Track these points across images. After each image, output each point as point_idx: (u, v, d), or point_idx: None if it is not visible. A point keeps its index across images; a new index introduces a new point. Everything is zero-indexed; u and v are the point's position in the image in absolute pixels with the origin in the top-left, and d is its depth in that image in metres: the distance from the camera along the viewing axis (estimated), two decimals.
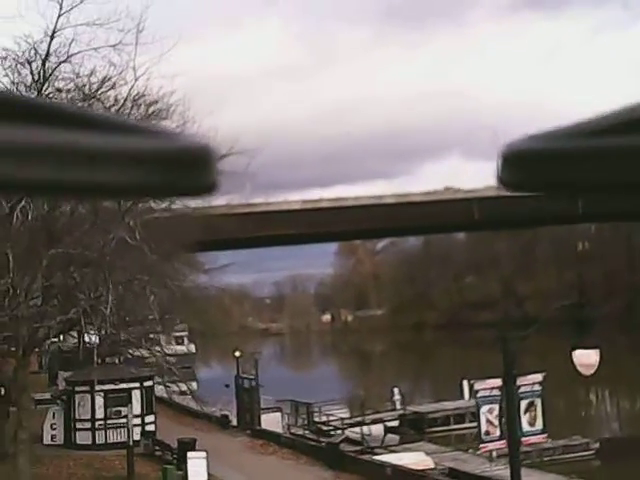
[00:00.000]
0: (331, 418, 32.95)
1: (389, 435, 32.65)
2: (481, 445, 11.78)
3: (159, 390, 32.68)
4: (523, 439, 11.18)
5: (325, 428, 32.43)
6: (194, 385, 55.56)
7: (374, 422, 33.16)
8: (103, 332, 21.27)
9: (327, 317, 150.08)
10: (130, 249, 18.65)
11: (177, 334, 56.68)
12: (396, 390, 35.74)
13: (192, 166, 0.53)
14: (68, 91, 18.97)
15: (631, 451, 28.73)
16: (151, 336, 31.80)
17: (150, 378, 29.13)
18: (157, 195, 0.55)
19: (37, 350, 21.09)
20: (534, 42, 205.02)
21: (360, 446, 29.15)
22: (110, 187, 0.50)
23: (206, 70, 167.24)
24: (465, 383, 35.43)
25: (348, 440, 29.37)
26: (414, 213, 69.53)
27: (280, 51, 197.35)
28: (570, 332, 10.53)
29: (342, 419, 32.64)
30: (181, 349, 58.29)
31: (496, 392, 11.15)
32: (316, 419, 33.33)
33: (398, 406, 34.98)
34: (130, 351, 29.42)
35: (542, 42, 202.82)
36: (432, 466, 24.37)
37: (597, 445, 28.16)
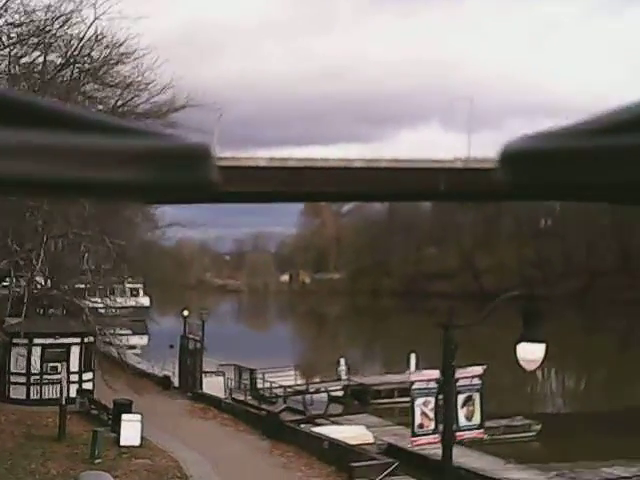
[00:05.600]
0: (274, 385, 32.38)
1: (332, 404, 32.30)
2: (412, 439, 11.22)
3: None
4: (458, 433, 10.66)
5: (267, 395, 31.92)
6: (145, 339, 54.85)
7: (318, 391, 32.76)
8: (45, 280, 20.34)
9: (285, 277, 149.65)
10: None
11: (131, 286, 55.38)
12: (342, 360, 35.34)
13: (191, 165, 0.54)
14: (20, 25, 17.91)
15: (574, 427, 28.73)
16: (100, 287, 30.82)
17: (91, 334, 28.17)
18: (156, 194, 0.54)
19: None
20: (527, 21, 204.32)
21: (302, 415, 28.73)
22: (109, 188, 0.50)
23: (197, 17, 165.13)
24: (412, 356, 35.09)
25: (289, 409, 28.90)
26: (381, 179, 68.89)
27: (274, 7, 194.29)
28: (517, 323, 9.98)
29: (285, 387, 32.08)
30: (134, 301, 57.21)
31: (432, 384, 10.57)
32: (259, 385, 32.76)
33: (343, 376, 34.60)
34: (77, 302, 28.41)
35: (535, 21, 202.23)
36: (371, 441, 24.06)
37: (539, 427, 27.98)
